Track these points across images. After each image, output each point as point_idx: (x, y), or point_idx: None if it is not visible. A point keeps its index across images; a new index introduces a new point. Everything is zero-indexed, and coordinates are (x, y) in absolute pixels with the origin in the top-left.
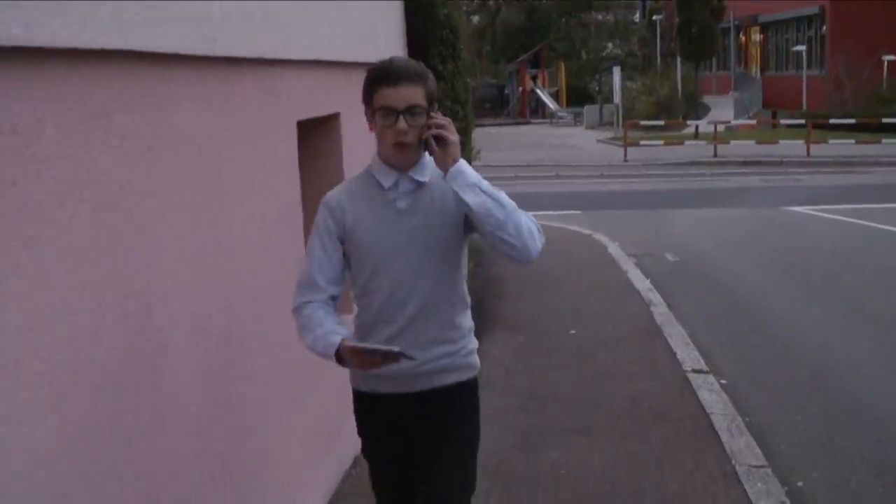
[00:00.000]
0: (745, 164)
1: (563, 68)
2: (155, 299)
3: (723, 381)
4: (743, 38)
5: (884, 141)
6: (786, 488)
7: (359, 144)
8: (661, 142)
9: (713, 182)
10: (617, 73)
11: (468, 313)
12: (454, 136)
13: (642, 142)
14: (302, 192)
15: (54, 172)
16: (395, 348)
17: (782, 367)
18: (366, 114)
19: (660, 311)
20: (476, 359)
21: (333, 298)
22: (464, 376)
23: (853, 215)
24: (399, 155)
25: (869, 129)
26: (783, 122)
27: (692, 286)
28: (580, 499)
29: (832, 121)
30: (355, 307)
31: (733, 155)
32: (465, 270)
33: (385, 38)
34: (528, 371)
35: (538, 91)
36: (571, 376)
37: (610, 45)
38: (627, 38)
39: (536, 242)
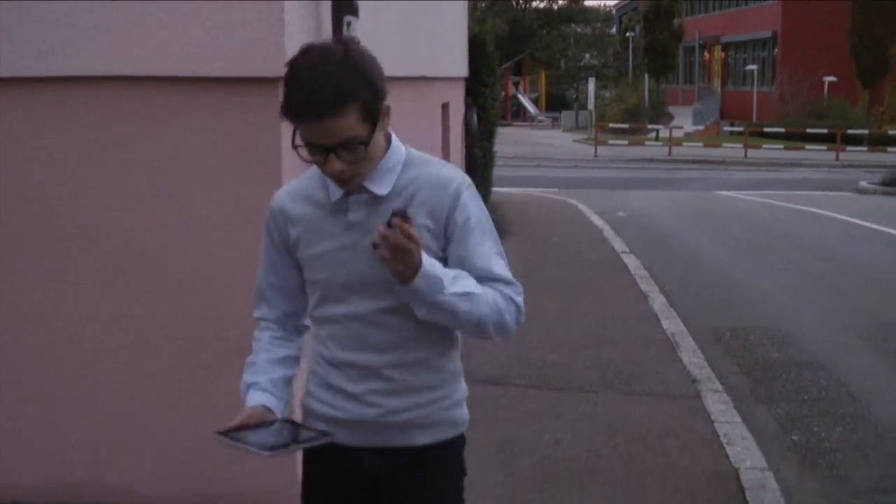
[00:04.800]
0: (693, 161)
1: (543, 76)
2: None
3: (639, 260)
4: (707, 56)
5: (807, 147)
6: (657, 287)
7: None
8: (627, 142)
9: (664, 174)
10: (592, 83)
11: (455, 354)
12: (411, 245)
13: (610, 141)
14: None
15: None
16: (263, 452)
17: (672, 256)
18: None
19: (607, 233)
20: (464, 412)
21: (290, 315)
22: (444, 434)
23: (763, 196)
24: (340, 186)
25: (800, 137)
26: (726, 129)
27: (631, 227)
28: (559, 285)
29: (766, 129)
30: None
31: (684, 155)
32: None
33: (462, 63)
34: (533, 250)
35: (520, 96)
36: (556, 253)
37: (587, 55)
38: (604, 50)
39: (508, 324)
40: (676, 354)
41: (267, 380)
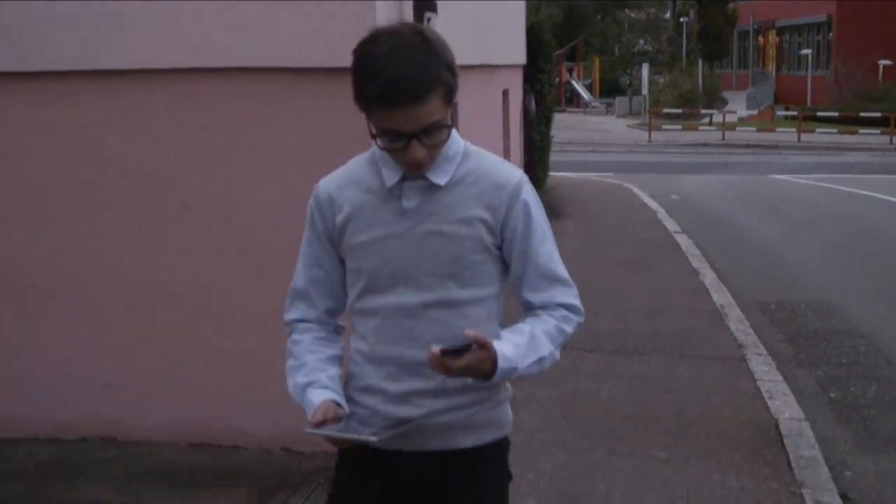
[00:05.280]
0: (746, 146)
1: (597, 62)
2: None
3: (691, 239)
4: (762, 40)
5: (860, 131)
6: (709, 264)
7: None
8: (680, 127)
9: (718, 158)
10: (646, 68)
11: None
12: (470, 366)
13: (664, 127)
14: None
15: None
16: (372, 437)
17: (723, 236)
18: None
19: (661, 215)
20: (508, 412)
21: (331, 313)
22: (489, 436)
23: (815, 180)
24: (414, 172)
25: (854, 121)
26: (781, 113)
27: (684, 209)
28: (615, 262)
29: (819, 113)
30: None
31: (738, 139)
32: (500, 301)
33: (521, 51)
34: (589, 230)
35: (573, 82)
36: (611, 233)
37: (641, 41)
38: (657, 35)
39: (569, 335)
40: (724, 323)
41: (326, 377)
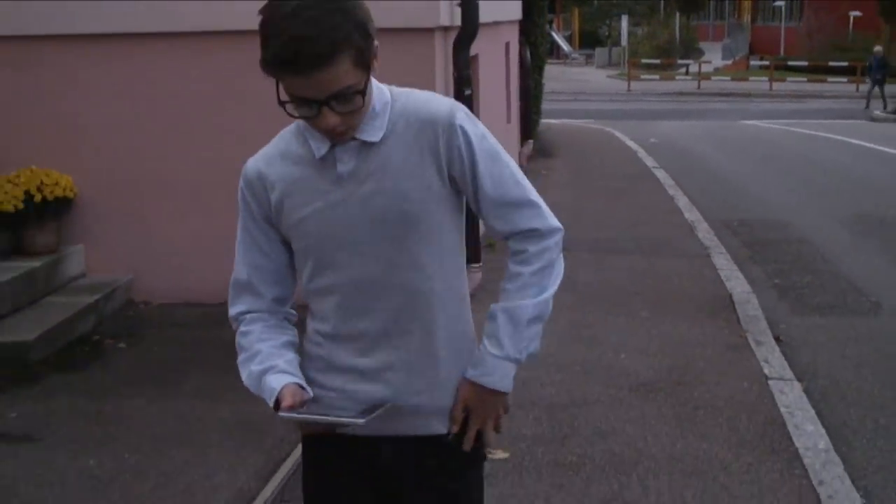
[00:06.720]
0: (720, 94)
1: (576, 14)
2: None
3: (667, 173)
4: None
5: (829, 80)
6: (682, 191)
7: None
8: (658, 77)
9: (693, 106)
10: (625, 20)
11: (469, 315)
12: (481, 408)
13: (642, 76)
14: None
15: None
16: (358, 419)
17: (696, 170)
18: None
19: (641, 154)
20: None
21: (279, 301)
22: None
23: (784, 125)
24: (335, 140)
25: (823, 70)
26: (755, 63)
27: (662, 149)
28: (602, 190)
29: (790, 63)
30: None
31: (713, 88)
32: (462, 253)
33: (518, 6)
34: (578, 166)
35: (553, 34)
36: (598, 168)
37: None
38: None
39: (559, 267)
40: (694, 233)
41: (283, 362)
